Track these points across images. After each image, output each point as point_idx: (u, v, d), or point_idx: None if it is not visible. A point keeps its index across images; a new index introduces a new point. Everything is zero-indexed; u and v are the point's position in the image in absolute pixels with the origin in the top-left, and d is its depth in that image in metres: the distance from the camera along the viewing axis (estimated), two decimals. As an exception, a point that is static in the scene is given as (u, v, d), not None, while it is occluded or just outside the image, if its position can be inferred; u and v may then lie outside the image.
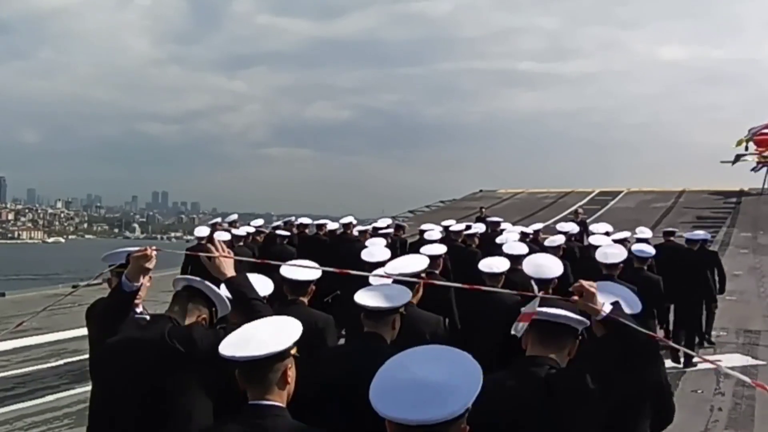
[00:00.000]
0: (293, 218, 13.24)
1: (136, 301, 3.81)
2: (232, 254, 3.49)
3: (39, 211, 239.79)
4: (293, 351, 2.38)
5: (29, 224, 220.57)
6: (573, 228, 10.98)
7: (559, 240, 8.79)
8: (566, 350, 2.57)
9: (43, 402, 7.49)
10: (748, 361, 9.19)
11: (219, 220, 13.69)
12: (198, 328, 3.16)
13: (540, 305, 2.54)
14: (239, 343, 2.37)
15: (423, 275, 4.45)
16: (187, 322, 3.21)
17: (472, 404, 1.71)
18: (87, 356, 3.90)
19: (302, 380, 2.48)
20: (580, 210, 17.71)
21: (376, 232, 10.93)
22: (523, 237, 9.54)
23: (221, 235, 10.65)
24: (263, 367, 2.31)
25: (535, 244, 9.21)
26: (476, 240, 10.21)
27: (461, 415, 1.69)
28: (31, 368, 8.93)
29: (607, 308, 2.50)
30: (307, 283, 4.25)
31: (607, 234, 9.66)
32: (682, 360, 8.66)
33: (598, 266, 6.03)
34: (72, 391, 7.68)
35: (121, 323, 3.40)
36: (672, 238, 10.31)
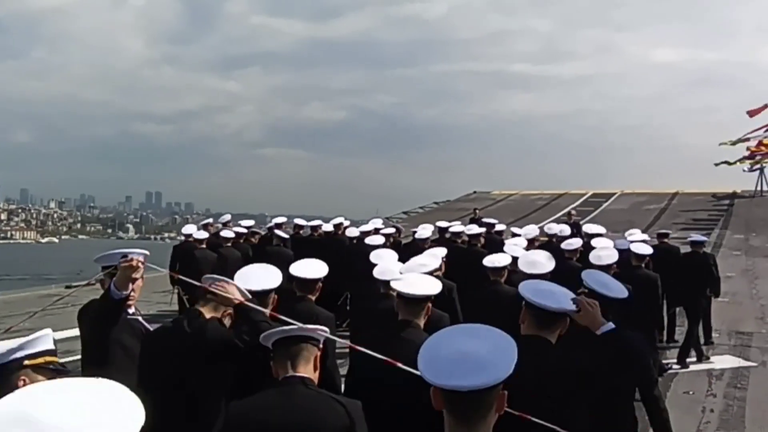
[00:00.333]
0: (284, 219, 13.27)
1: (129, 302, 3.84)
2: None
3: (32, 211, 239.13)
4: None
5: (22, 224, 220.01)
6: (564, 229, 11.04)
7: (576, 243, 8.63)
8: (557, 332, 2.95)
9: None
10: (740, 362, 9.22)
11: (210, 220, 13.68)
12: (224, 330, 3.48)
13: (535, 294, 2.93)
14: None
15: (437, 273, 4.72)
16: (218, 315, 3.53)
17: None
18: (79, 356, 3.90)
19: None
20: (573, 212, 17.77)
21: (377, 232, 10.98)
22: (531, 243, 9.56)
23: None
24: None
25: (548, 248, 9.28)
26: (481, 240, 10.24)
27: (502, 381, 1.88)
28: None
29: (606, 327, 2.86)
30: (315, 281, 4.51)
31: (600, 235, 9.78)
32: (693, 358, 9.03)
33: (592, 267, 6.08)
34: (65, 392, 7.64)
35: (112, 327, 3.53)
36: (665, 240, 10.36)
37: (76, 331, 3.94)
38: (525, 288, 3.02)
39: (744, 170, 31.77)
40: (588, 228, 11.03)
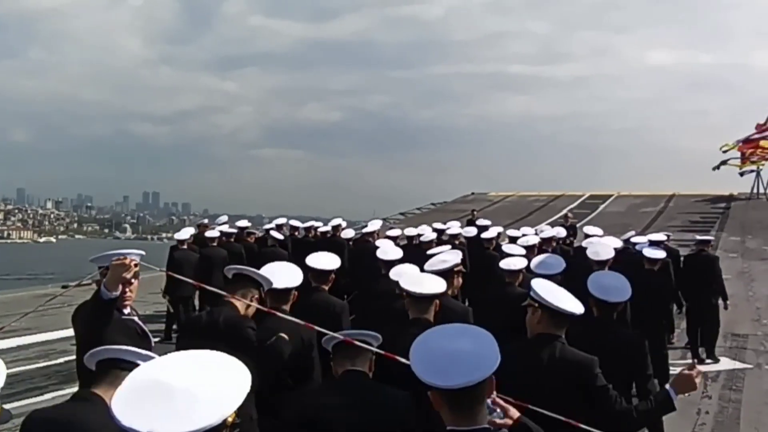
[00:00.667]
0: (284, 220, 13.27)
1: (126, 302, 3.83)
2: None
3: (29, 211, 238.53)
4: None
5: (19, 224, 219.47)
6: (560, 232, 11.08)
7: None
8: (565, 329, 3.33)
9: (32, 403, 7.42)
10: (735, 364, 9.23)
11: (206, 221, 13.77)
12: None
13: (548, 297, 3.25)
14: None
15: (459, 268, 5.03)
16: (246, 301, 3.90)
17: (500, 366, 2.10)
18: (75, 357, 3.89)
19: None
20: (570, 214, 17.80)
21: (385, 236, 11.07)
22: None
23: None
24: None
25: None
26: (494, 243, 10.28)
27: (490, 376, 2.05)
28: (19, 369, 8.87)
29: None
30: (329, 272, 4.92)
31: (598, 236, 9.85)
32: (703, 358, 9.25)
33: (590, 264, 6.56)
34: (60, 392, 7.62)
35: (104, 327, 3.49)
36: (666, 242, 10.39)
37: (72, 332, 3.94)
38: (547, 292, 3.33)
39: (740, 173, 31.75)
40: (587, 230, 11.04)
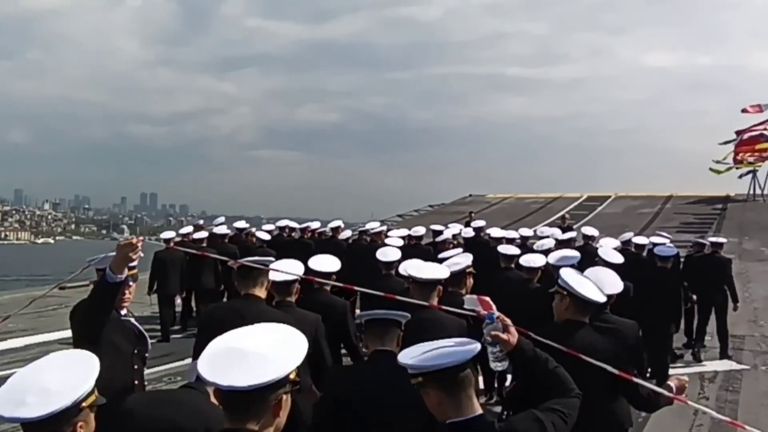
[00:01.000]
0: (287, 222, 13.47)
1: (124, 304, 3.83)
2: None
3: (26, 212, 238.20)
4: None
5: (16, 225, 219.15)
6: (556, 233, 11.10)
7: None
8: (588, 315, 3.60)
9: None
10: (732, 365, 9.26)
11: (201, 222, 14.21)
12: None
13: (576, 286, 3.53)
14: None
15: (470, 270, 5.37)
16: (266, 288, 4.21)
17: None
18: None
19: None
20: (567, 215, 17.81)
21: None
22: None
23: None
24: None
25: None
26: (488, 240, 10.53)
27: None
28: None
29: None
30: (330, 274, 5.13)
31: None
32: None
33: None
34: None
35: (104, 318, 3.44)
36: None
37: (69, 333, 3.91)
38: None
39: (740, 176, 31.78)
40: (584, 231, 11.09)
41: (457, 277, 4.97)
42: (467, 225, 14.78)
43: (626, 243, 9.88)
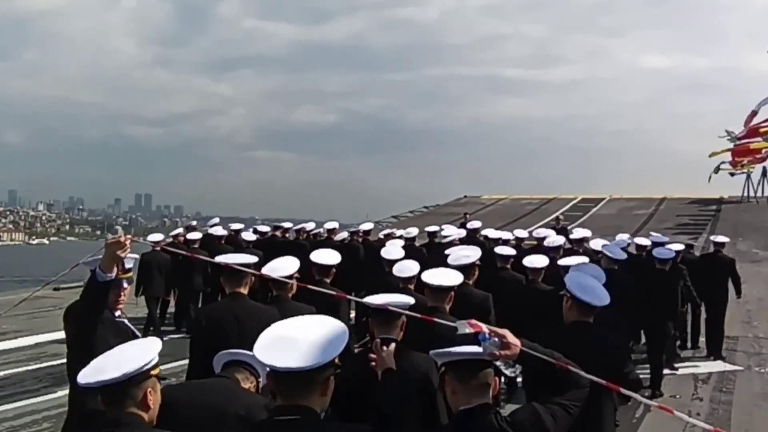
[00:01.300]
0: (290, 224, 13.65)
1: (119, 306, 3.81)
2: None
3: (20, 213, 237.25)
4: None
5: (10, 226, 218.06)
6: (550, 234, 11.14)
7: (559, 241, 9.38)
8: (592, 317, 3.73)
9: (23, 405, 7.40)
10: (726, 366, 9.28)
11: (194, 223, 14.37)
12: None
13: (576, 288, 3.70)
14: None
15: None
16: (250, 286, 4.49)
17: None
18: (66, 359, 3.87)
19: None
20: (561, 217, 17.86)
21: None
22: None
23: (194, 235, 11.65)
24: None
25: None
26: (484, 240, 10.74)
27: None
28: (10, 371, 8.84)
29: None
30: (331, 267, 5.47)
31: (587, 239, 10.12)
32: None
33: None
34: (52, 395, 7.59)
35: (96, 318, 3.41)
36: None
37: (63, 334, 3.90)
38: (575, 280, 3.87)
39: (731, 173, 31.88)
40: (576, 232, 11.13)
41: (466, 269, 5.37)
42: (462, 226, 14.83)
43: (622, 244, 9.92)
